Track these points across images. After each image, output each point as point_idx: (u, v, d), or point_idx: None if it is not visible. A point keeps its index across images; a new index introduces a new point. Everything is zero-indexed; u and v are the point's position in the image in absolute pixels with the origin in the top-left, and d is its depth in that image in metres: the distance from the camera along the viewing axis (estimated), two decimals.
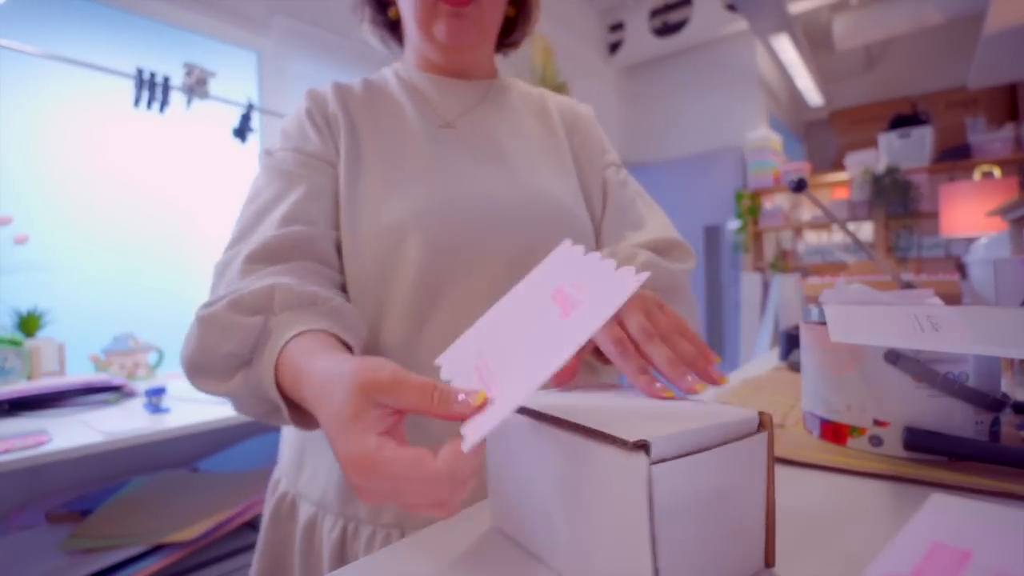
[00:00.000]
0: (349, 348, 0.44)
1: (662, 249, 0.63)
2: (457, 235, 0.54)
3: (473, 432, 0.28)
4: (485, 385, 0.32)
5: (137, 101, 1.60)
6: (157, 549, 1.12)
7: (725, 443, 0.27)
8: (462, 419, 0.30)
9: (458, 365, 0.36)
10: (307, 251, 0.51)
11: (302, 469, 0.58)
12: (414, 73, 0.66)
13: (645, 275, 0.31)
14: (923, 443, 0.45)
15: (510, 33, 0.72)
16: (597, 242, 0.66)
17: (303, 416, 0.44)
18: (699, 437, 0.26)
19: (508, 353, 0.33)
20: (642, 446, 0.24)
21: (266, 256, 0.49)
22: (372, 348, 0.54)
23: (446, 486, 0.28)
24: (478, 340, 0.37)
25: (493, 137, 0.63)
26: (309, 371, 0.37)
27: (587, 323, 0.30)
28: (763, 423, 0.29)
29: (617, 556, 0.26)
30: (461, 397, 0.30)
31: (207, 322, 0.44)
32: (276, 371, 0.41)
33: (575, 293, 0.33)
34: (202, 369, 0.45)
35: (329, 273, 0.53)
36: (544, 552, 0.33)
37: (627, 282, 0.31)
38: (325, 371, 0.34)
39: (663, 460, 0.25)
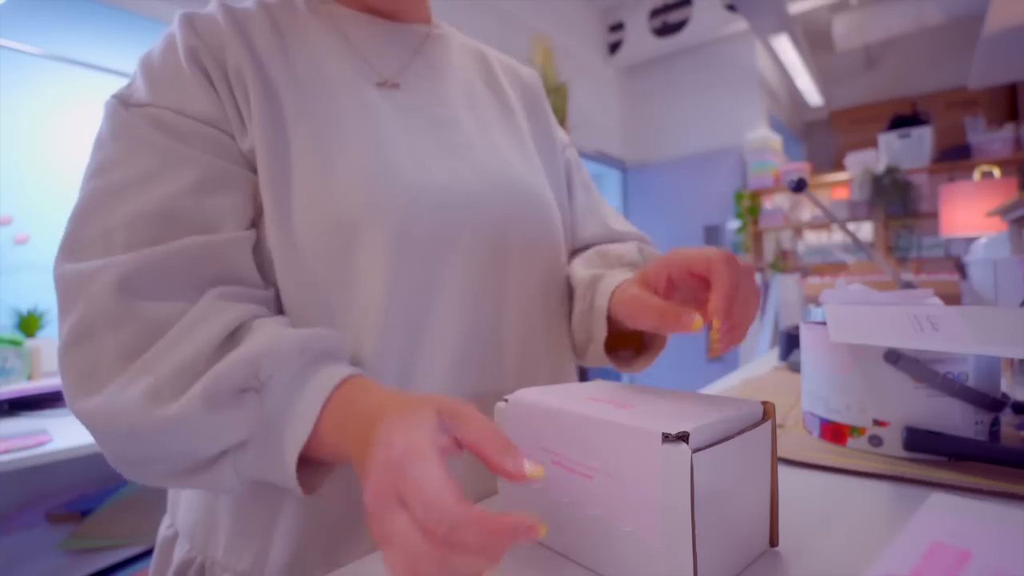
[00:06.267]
0: None
1: (639, 239, 0.62)
2: (427, 231, 0.44)
3: None
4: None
5: None
6: None
7: (742, 432, 0.30)
8: (507, 476, 0.27)
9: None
10: (213, 272, 0.38)
11: (215, 527, 0.44)
12: (331, 6, 0.51)
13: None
14: (923, 443, 0.45)
15: None
16: (565, 228, 0.59)
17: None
18: (724, 427, 0.29)
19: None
20: (683, 437, 0.27)
21: (152, 283, 0.36)
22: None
23: (478, 528, 0.23)
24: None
25: (446, 104, 0.52)
26: (363, 409, 0.32)
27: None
28: (767, 412, 0.32)
29: (654, 543, 0.28)
30: (527, 466, 0.27)
31: (173, 425, 0.32)
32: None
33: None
34: (161, 469, 0.35)
35: (249, 294, 0.40)
36: (565, 546, 0.33)
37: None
38: (389, 395, 0.32)
39: (700, 449, 0.27)
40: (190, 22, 0.43)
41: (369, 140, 0.44)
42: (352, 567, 0.35)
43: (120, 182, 0.38)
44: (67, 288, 0.36)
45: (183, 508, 0.47)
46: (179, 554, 0.45)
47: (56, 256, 0.38)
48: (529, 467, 0.27)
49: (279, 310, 0.42)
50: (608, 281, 0.49)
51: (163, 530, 0.49)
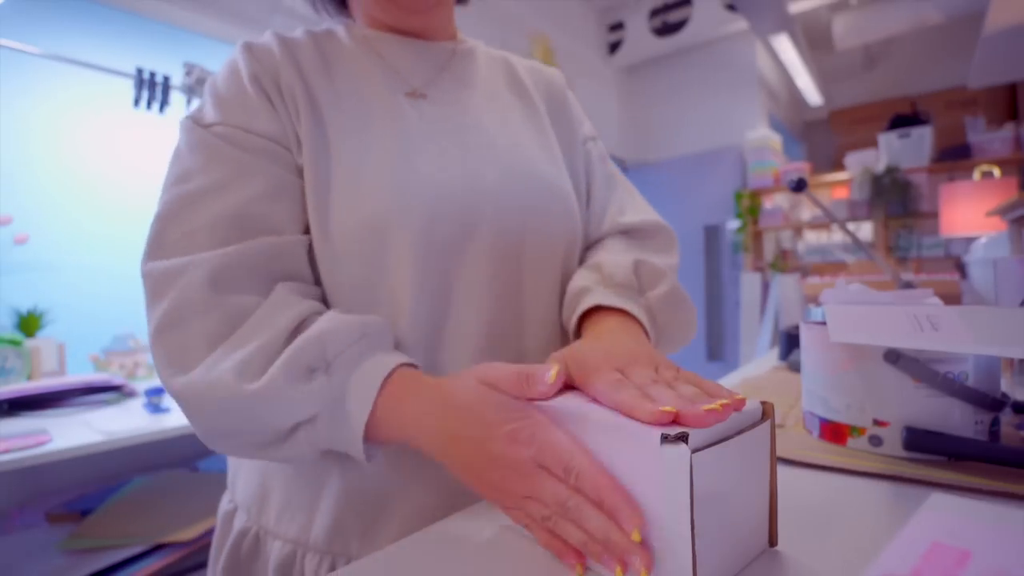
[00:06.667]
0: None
1: (649, 233, 0.62)
2: (449, 230, 0.48)
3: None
4: None
5: (137, 101, 1.60)
6: (157, 549, 1.12)
7: (740, 432, 0.30)
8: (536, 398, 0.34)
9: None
10: (280, 268, 0.44)
11: (267, 501, 0.50)
12: (367, 31, 0.56)
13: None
14: (923, 443, 0.45)
15: None
16: (583, 220, 0.61)
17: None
18: (723, 427, 0.29)
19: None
20: (682, 437, 0.27)
21: (234, 278, 0.41)
22: None
23: (593, 479, 0.30)
24: None
25: (470, 110, 0.55)
26: (419, 400, 0.38)
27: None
28: (766, 412, 0.32)
29: (654, 543, 0.28)
30: (547, 375, 0.33)
31: (261, 397, 0.37)
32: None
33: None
34: (246, 440, 0.40)
35: (310, 291, 0.46)
36: None
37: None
38: (438, 382, 0.38)
39: (699, 449, 0.27)
40: (250, 50, 0.49)
41: (397, 147, 0.49)
42: (367, 560, 0.35)
43: (200, 189, 0.43)
44: (156, 282, 0.41)
45: (240, 484, 0.53)
46: (237, 524, 0.52)
47: (142, 256, 0.43)
48: (549, 377, 0.33)
49: (327, 307, 0.47)
50: (586, 301, 0.51)
51: (224, 504, 0.55)
